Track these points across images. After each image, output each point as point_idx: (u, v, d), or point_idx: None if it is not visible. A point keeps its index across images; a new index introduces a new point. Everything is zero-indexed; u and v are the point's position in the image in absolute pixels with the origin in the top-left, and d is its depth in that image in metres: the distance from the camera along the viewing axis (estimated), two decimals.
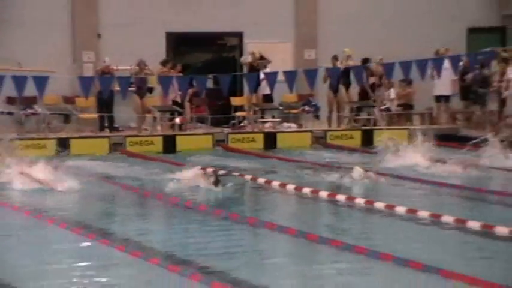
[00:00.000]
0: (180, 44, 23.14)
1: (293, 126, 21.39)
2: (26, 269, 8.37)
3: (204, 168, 13.95)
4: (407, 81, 21.33)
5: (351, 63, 20.87)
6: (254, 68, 20.97)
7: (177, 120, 20.43)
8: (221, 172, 14.12)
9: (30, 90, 18.76)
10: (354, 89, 21.36)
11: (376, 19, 23.09)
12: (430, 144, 15.72)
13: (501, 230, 9.62)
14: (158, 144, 19.32)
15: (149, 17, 22.02)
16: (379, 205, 11.37)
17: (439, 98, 21.58)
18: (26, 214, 11.44)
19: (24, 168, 13.59)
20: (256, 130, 20.65)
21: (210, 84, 21.59)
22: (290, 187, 13.21)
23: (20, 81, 18.42)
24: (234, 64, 22.56)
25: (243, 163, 16.57)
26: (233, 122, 21.42)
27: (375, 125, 21.05)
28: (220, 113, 21.39)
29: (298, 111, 21.86)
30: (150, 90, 20.65)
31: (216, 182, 12.89)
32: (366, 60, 21.24)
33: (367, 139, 20.06)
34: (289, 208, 12.54)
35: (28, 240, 9.93)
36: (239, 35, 23.12)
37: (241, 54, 22.44)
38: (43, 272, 8.25)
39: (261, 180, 13.94)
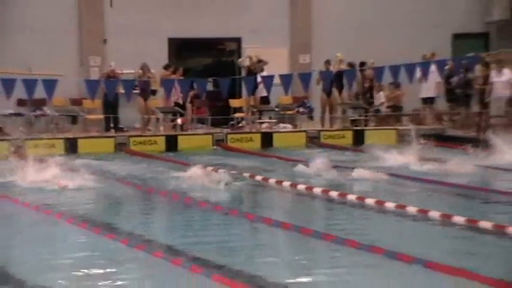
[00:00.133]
0: (181, 49, 23.13)
1: (288, 126, 21.39)
2: (35, 262, 8.34)
3: (212, 169, 13.82)
4: (396, 84, 21.34)
5: (343, 67, 20.87)
6: (252, 72, 20.99)
7: (179, 121, 20.42)
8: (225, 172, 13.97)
9: (39, 92, 18.76)
10: (346, 92, 21.37)
11: (367, 26, 23.08)
12: (421, 143, 15.73)
13: (485, 225, 9.61)
14: (161, 143, 19.30)
15: (152, 23, 22.00)
16: (370, 201, 11.36)
17: (425, 100, 21.61)
18: (35, 210, 11.40)
19: (35, 166, 13.57)
20: (253, 130, 20.65)
21: (210, 87, 21.57)
22: (286, 184, 13.19)
23: (30, 85, 18.41)
24: (233, 68, 22.54)
25: (241, 162, 16.54)
26: (232, 122, 21.42)
27: (365, 125, 21.06)
28: (220, 114, 21.37)
29: (293, 112, 21.87)
30: (154, 92, 20.64)
31: (226, 183, 12.81)
32: (362, 64, 21.23)
33: (358, 138, 20.08)
34: (285, 204, 12.51)
35: (37, 235, 9.90)
36: (238, 41, 23.11)
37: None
38: (51, 265, 8.22)
39: (259, 177, 13.90)
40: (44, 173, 13.46)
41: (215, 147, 19.22)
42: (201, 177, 13.25)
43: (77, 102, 21.33)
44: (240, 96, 22.04)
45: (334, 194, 12.09)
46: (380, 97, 21.88)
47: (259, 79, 20.64)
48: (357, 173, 13.62)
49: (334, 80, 20.83)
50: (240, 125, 21.41)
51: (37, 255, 8.65)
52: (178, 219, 10.91)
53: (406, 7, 23.46)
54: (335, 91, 21.09)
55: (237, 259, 8.33)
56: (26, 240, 9.59)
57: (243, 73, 21.66)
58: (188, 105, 20.85)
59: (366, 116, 21.30)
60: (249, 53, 21.84)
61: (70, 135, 19.46)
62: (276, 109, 21.73)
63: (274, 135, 20.16)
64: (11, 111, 20.22)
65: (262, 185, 13.53)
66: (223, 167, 14.86)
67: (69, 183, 12.86)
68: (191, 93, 20.72)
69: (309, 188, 12.63)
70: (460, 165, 14.27)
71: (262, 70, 21.00)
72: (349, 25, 22.95)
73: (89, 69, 21.83)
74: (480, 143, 16.88)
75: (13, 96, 18.79)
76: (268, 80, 20.21)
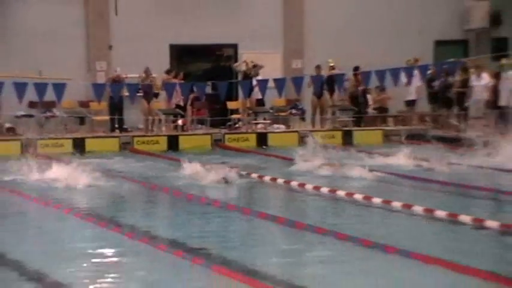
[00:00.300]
0: (182, 55, 23.07)
1: (282, 127, 21.36)
2: (46, 254, 8.30)
3: (211, 167, 13.75)
4: (381, 88, 21.33)
5: (334, 71, 20.86)
6: (247, 76, 20.98)
7: (180, 122, 20.37)
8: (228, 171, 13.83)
9: (49, 95, 18.71)
10: (337, 95, 21.37)
11: (355, 34, 23.07)
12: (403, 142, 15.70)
13: (465, 219, 9.59)
14: (163, 143, 19.25)
15: (155, 31, 21.94)
16: (358, 197, 11.34)
17: (409, 103, 21.62)
18: (44, 205, 11.36)
19: (45, 164, 13.51)
20: (249, 130, 20.60)
21: (209, 90, 21.52)
22: (280, 181, 13.17)
23: (40, 88, 18.37)
24: (230, 72, 22.48)
25: (238, 159, 16.50)
26: (229, 123, 21.37)
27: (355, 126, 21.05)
28: (218, 116, 21.33)
29: (287, 113, 21.84)
30: (156, 95, 20.58)
31: (225, 180, 12.74)
32: (356, 68, 21.21)
33: (347, 138, 20.06)
34: (279, 199, 12.48)
35: (47, 228, 9.86)
36: (234, 47, 23.06)
37: None
38: (61, 256, 8.19)
39: (255, 174, 13.86)
40: (54, 171, 13.39)
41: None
42: (202, 175, 13.20)
43: (84, 104, 21.27)
44: (236, 99, 21.99)
45: (325, 190, 12.07)
46: (368, 100, 21.85)
47: (254, 83, 20.61)
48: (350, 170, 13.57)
49: (326, 84, 20.83)
50: (237, 125, 21.36)
51: (47, 247, 8.62)
52: (180, 214, 10.86)
53: (391, 16, 23.45)
54: (326, 94, 21.09)
55: (236, 251, 8.30)
56: (37, 233, 9.55)
57: (240, 77, 21.64)
58: (188, 107, 20.79)
59: (354, 118, 21.25)
60: (245, 58, 21.81)
61: (78, 135, 19.40)
62: (270, 111, 21.70)
63: (269, 135, 20.12)
64: (23, 113, 20.15)
65: (259, 181, 13.46)
66: (222, 164, 14.79)
67: (78, 181, 12.78)
68: (191, 96, 20.67)
69: (301, 185, 12.60)
70: (442, 164, 14.24)
71: (257, 74, 20.97)
72: (338, 33, 22.93)
73: (96, 73, 21.76)
74: (461, 143, 16.91)
75: (25, 99, 18.73)
76: (263, 84, 20.19)
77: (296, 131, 20.54)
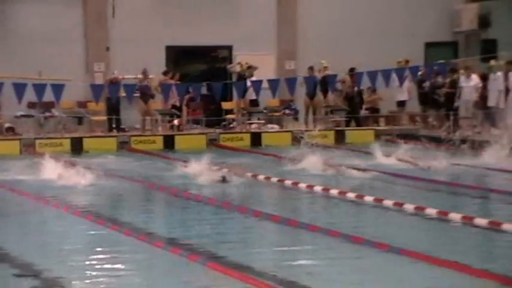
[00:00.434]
0: (178, 56, 23.07)
1: (276, 127, 21.37)
2: (44, 251, 8.32)
3: (207, 165, 13.75)
4: (372, 89, 21.37)
5: (327, 72, 20.89)
6: (242, 77, 21.00)
7: (176, 122, 20.38)
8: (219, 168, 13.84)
9: (48, 96, 18.68)
10: (331, 95, 21.41)
11: (347, 36, 23.08)
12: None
13: (455, 216, 9.65)
14: (159, 142, 19.25)
15: (152, 32, 21.92)
16: (351, 195, 11.38)
17: (400, 103, 21.67)
18: (44, 204, 11.37)
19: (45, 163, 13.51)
20: (244, 130, 20.61)
21: (204, 90, 21.47)
22: (274, 179, 13.20)
23: (39, 88, 18.34)
24: (225, 73, 22.48)
25: (232, 159, 16.51)
26: (224, 123, 21.39)
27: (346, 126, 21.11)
28: (213, 116, 21.34)
29: (280, 114, 21.86)
30: (152, 96, 20.56)
31: (223, 180, 12.74)
32: (352, 69, 21.23)
33: (339, 138, 20.11)
34: (273, 198, 12.51)
35: (45, 227, 9.88)
36: (229, 48, 23.07)
37: None
38: (59, 253, 8.21)
39: (249, 173, 13.87)
40: (53, 170, 13.39)
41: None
42: (198, 173, 13.22)
43: (82, 104, 21.26)
44: (231, 99, 22.00)
45: (318, 188, 12.11)
46: (363, 100, 21.86)
47: (248, 84, 20.63)
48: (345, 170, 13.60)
49: (319, 85, 20.86)
50: (232, 125, 21.37)
51: (45, 245, 8.64)
52: (177, 213, 10.89)
53: (382, 18, 23.48)
54: (320, 94, 21.13)
55: (231, 249, 8.33)
56: (35, 231, 9.57)
57: (234, 78, 21.66)
58: (184, 108, 20.80)
59: (349, 117, 21.27)
60: (240, 59, 21.83)
61: (76, 135, 19.39)
62: (264, 111, 21.70)
63: (263, 135, 20.13)
64: (22, 113, 20.12)
65: (253, 180, 13.45)
66: (217, 163, 14.82)
67: (77, 180, 12.77)
68: (187, 96, 20.67)
69: (295, 183, 12.63)
70: (431, 163, 14.29)
71: (252, 75, 21.00)
72: (330, 35, 22.96)
73: (94, 74, 21.73)
74: (451, 142, 16.97)
75: (24, 99, 18.70)
76: (257, 84, 20.21)
77: (290, 131, 20.57)
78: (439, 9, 24.00)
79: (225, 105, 21.62)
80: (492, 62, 19.40)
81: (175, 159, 15.80)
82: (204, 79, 21.34)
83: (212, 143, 19.43)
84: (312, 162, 14.26)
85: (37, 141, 18.47)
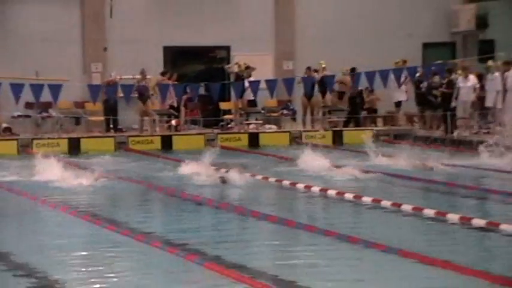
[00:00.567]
0: (176, 57, 23.06)
1: (273, 127, 21.37)
2: (42, 251, 8.31)
3: (205, 165, 13.71)
4: (369, 90, 21.36)
5: (326, 73, 20.89)
6: (240, 77, 20.99)
7: (173, 122, 20.36)
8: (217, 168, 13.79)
9: (46, 96, 18.66)
10: (329, 95, 21.42)
11: (345, 36, 23.08)
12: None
13: (452, 217, 9.64)
14: (157, 143, 19.25)
15: (149, 33, 21.93)
16: (349, 196, 11.36)
17: (398, 103, 21.67)
18: (41, 204, 11.34)
19: (42, 164, 13.48)
20: (241, 131, 20.61)
21: (202, 91, 21.51)
22: (272, 179, 13.18)
23: (37, 89, 18.32)
24: (223, 74, 22.47)
25: (230, 159, 16.48)
26: (222, 123, 21.38)
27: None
28: (211, 116, 21.32)
29: (278, 114, 21.86)
30: (149, 96, 20.52)
31: (223, 180, 12.71)
32: (353, 69, 21.22)
33: (337, 138, 20.10)
34: (271, 198, 12.49)
35: (43, 227, 9.86)
36: (227, 49, 23.07)
37: None
38: (56, 254, 8.19)
39: (247, 173, 13.83)
40: (50, 170, 13.36)
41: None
42: (196, 173, 13.20)
43: (80, 105, 21.24)
44: (229, 100, 21.98)
45: (316, 189, 12.09)
46: (364, 100, 21.87)
47: (246, 84, 20.62)
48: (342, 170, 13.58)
49: (318, 85, 20.85)
50: (229, 125, 21.37)
51: (43, 245, 8.62)
52: (175, 213, 10.87)
53: (380, 19, 23.49)
54: (319, 95, 21.13)
55: (229, 249, 8.32)
56: (33, 231, 9.54)
57: (232, 78, 21.66)
58: (182, 108, 20.79)
59: (350, 118, 21.26)
60: (238, 60, 21.82)
61: (74, 135, 19.36)
62: (262, 111, 21.70)
63: (261, 135, 20.14)
64: (20, 113, 20.10)
65: (252, 180, 13.39)
66: (215, 163, 14.79)
67: (75, 180, 12.74)
68: (185, 97, 20.66)
69: (293, 184, 12.62)
70: (428, 163, 14.28)
71: (250, 76, 20.99)
72: (329, 35, 22.96)
73: (91, 75, 21.72)
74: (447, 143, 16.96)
75: (21, 100, 18.67)
76: (254, 85, 20.20)
77: (288, 131, 20.57)
78: (437, 10, 24.01)
79: (223, 105, 21.61)
80: (490, 63, 19.39)
81: (173, 160, 15.78)
82: (202, 79, 21.35)
83: (209, 143, 19.37)
84: (312, 162, 14.24)
85: (34, 142, 18.45)
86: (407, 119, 21.98)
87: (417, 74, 20.66)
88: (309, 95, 20.98)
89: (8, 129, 19.87)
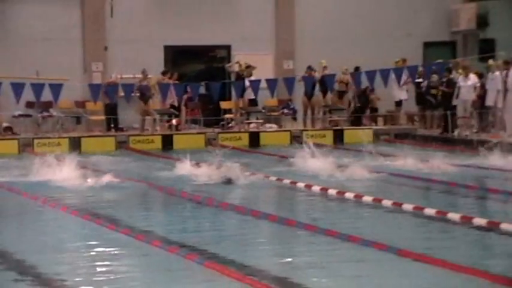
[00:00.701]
0: (176, 56, 23.05)
1: (274, 126, 21.36)
2: (42, 251, 8.30)
3: (206, 165, 13.65)
4: (370, 89, 21.34)
5: (326, 72, 20.87)
6: (240, 77, 20.98)
7: (174, 121, 20.35)
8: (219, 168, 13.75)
9: (46, 95, 18.65)
10: (330, 94, 21.39)
11: (345, 35, 23.07)
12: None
13: (453, 216, 9.63)
14: (158, 142, 19.24)
15: (150, 32, 21.92)
16: (350, 195, 11.34)
17: (397, 103, 21.66)
18: (42, 203, 11.33)
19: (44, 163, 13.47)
20: (242, 130, 20.60)
21: (202, 90, 21.49)
22: (272, 178, 13.16)
23: (37, 88, 18.30)
24: (223, 73, 22.47)
25: (231, 158, 16.45)
26: (222, 123, 21.36)
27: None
28: (211, 115, 21.30)
29: (279, 113, 21.85)
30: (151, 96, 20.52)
31: (228, 181, 12.68)
32: (357, 69, 21.19)
33: (338, 137, 20.09)
34: (271, 197, 12.47)
35: (43, 226, 9.85)
36: (228, 48, 23.06)
37: None
38: (57, 253, 8.18)
39: (248, 172, 13.80)
40: (51, 169, 13.35)
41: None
42: (196, 172, 13.18)
43: (80, 104, 21.24)
44: (229, 99, 21.97)
45: (316, 188, 12.08)
46: (369, 99, 21.85)
47: (247, 83, 20.61)
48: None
49: (319, 84, 20.84)
50: (230, 125, 21.35)
51: (43, 244, 8.61)
52: (175, 212, 10.85)
53: (381, 19, 23.48)
54: (319, 94, 21.12)
55: (229, 248, 8.30)
56: (34, 231, 9.53)
57: (232, 78, 21.65)
58: (182, 107, 20.77)
59: (354, 116, 21.26)
60: (238, 59, 21.81)
61: (74, 135, 19.36)
62: (263, 110, 21.70)
63: (261, 135, 20.13)
64: (20, 113, 20.10)
65: (253, 179, 13.35)
66: (216, 163, 14.76)
67: (75, 179, 12.72)
68: (185, 96, 20.64)
69: (293, 183, 12.60)
70: (428, 162, 14.25)
71: (250, 75, 20.99)
72: (329, 35, 22.95)
73: (92, 74, 21.72)
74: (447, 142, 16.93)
75: (22, 99, 18.67)
76: (255, 84, 20.20)
77: (288, 131, 20.56)
78: (437, 9, 24.00)
79: (224, 104, 21.60)
80: (490, 62, 19.38)
81: (174, 159, 15.76)
82: (202, 79, 21.34)
83: (210, 142, 19.36)
84: (312, 162, 14.22)
85: (35, 141, 18.44)
86: (408, 118, 21.96)
87: (417, 74, 20.64)
88: (309, 95, 20.97)
89: (8, 129, 19.87)
